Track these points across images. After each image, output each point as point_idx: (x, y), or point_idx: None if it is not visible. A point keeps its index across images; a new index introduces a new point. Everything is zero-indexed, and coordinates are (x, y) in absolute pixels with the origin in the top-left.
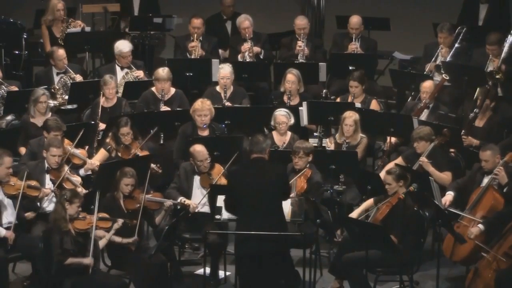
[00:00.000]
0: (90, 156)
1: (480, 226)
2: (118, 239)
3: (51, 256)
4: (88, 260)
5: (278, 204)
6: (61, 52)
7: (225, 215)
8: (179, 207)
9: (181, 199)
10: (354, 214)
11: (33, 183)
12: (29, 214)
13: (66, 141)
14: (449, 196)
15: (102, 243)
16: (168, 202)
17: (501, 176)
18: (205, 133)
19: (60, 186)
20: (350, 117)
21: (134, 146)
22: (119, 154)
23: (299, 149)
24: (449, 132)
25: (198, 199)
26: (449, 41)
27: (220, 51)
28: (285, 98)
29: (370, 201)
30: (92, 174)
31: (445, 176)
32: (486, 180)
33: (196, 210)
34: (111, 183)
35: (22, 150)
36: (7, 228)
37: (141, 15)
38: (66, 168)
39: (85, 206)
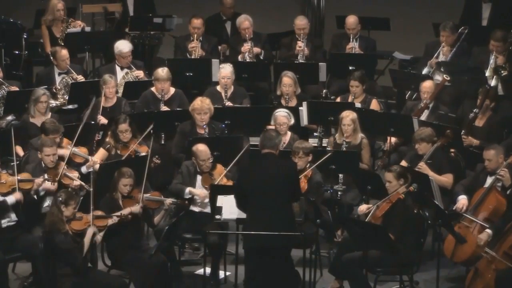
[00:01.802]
0: (91, 155)
1: (488, 231)
2: (125, 211)
3: (70, 256)
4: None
5: (287, 199)
6: (64, 52)
7: (225, 215)
8: (178, 201)
9: (189, 189)
10: None
11: (24, 175)
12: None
13: (66, 140)
14: (464, 200)
15: (98, 238)
16: (168, 201)
17: (506, 178)
18: (205, 130)
19: (59, 183)
20: (347, 116)
21: (133, 143)
22: (118, 152)
23: (299, 149)
24: (452, 134)
25: (198, 201)
26: (451, 40)
27: (220, 47)
28: (283, 101)
29: None
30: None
31: (446, 179)
32: (489, 181)
33: (196, 210)
34: (110, 183)
35: (19, 149)
36: (8, 230)
37: (141, 15)
38: (63, 164)
39: (84, 206)
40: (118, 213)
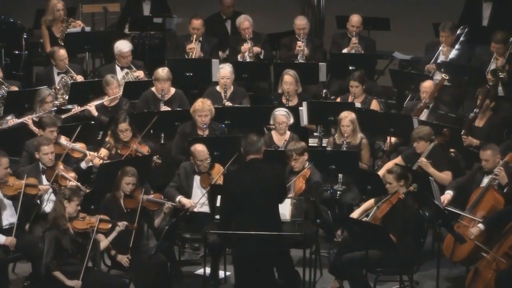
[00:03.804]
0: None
1: (480, 225)
2: (113, 251)
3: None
4: (73, 283)
5: (276, 205)
6: (62, 52)
7: None
8: (177, 206)
9: (179, 198)
10: (354, 215)
11: (31, 181)
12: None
13: (63, 137)
14: (448, 195)
15: (103, 245)
16: (168, 205)
17: (502, 176)
18: (205, 132)
19: (55, 183)
20: (346, 117)
21: (133, 143)
22: (119, 151)
23: (291, 151)
24: (449, 132)
25: (198, 199)
26: (451, 40)
27: (220, 53)
28: (284, 99)
29: (370, 202)
30: (94, 170)
31: (445, 176)
32: (486, 180)
33: (196, 210)
34: (111, 183)
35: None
36: (8, 231)
37: (141, 15)
38: (60, 165)
39: (85, 207)
40: (121, 223)
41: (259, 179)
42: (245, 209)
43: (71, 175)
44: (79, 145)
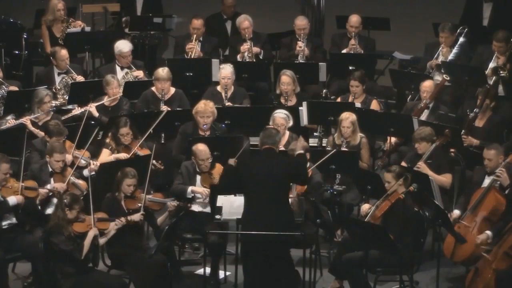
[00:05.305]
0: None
1: (488, 232)
2: (123, 219)
3: (71, 256)
4: (91, 231)
5: (285, 195)
6: (63, 52)
7: (225, 215)
8: (181, 204)
9: (191, 188)
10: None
11: (30, 184)
12: None
13: (68, 143)
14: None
15: (102, 241)
16: (173, 203)
17: (504, 178)
18: (206, 133)
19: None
20: (347, 118)
21: (134, 145)
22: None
23: (292, 151)
24: (451, 133)
25: (199, 199)
26: (451, 40)
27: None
28: (282, 99)
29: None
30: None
31: (445, 179)
32: (488, 181)
33: (196, 210)
34: (111, 183)
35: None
36: (7, 232)
37: (141, 15)
38: (71, 171)
39: (84, 206)
40: (122, 219)
41: (270, 168)
42: (253, 196)
43: (80, 182)
44: (83, 153)
